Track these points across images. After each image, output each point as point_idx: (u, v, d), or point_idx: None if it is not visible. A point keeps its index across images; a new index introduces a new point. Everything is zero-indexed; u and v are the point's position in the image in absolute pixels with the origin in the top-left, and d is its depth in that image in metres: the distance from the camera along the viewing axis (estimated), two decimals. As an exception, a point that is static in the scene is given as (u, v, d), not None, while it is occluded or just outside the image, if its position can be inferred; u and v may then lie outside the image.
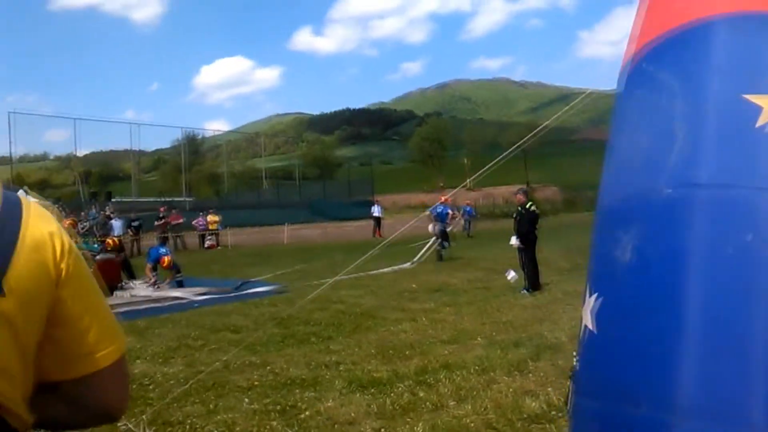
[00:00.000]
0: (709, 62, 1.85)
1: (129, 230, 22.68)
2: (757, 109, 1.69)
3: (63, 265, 0.90)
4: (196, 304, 10.00)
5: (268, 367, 5.89)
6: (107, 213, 23.85)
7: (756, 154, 1.68)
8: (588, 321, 2.00)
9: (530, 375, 5.40)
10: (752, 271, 1.59)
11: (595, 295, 1.99)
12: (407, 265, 15.18)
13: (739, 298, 1.59)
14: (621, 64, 2.23)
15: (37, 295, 0.86)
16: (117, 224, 22.84)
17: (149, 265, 12.57)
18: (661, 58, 1.99)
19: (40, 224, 0.90)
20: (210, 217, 26.41)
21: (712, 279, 1.65)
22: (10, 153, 41.78)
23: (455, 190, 12.47)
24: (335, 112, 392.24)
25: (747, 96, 1.72)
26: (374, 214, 30.19)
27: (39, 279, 0.86)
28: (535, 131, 5.58)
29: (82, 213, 23.15)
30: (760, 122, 1.68)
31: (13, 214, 0.87)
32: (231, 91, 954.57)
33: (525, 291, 10.02)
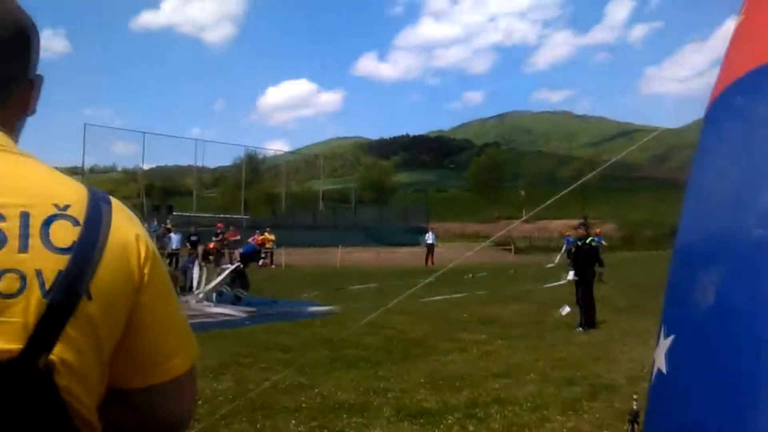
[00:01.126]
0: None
1: (187, 244, 23.22)
2: None
3: (146, 270, 0.88)
4: (248, 322, 10.08)
5: (316, 390, 5.84)
6: (168, 226, 24.49)
7: None
8: (661, 363, 1.88)
9: (585, 415, 5.18)
10: None
11: (671, 337, 1.87)
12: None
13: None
14: (710, 95, 2.12)
15: (120, 300, 0.85)
16: (176, 237, 23.41)
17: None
18: (756, 90, 1.88)
19: (128, 226, 0.89)
20: (266, 236, 26.78)
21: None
22: (83, 163, 43.59)
23: (517, 222, 12.25)
24: (394, 137, 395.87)
25: None
26: (428, 242, 30.07)
27: (123, 283, 0.85)
28: (599, 169, 5.44)
29: (145, 225, 23.85)
30: None
31: (104, 217, 0.86)
32: (294, 113, 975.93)
33: (580, 328, 9.72)
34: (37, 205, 0.81)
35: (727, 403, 1.63)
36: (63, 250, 0.80)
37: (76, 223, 0.82)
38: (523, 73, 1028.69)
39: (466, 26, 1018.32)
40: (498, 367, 6.97)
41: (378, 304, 9.86)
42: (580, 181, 6.41)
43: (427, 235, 31.13)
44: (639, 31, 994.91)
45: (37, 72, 0.95)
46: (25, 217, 0.79)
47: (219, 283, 13.01)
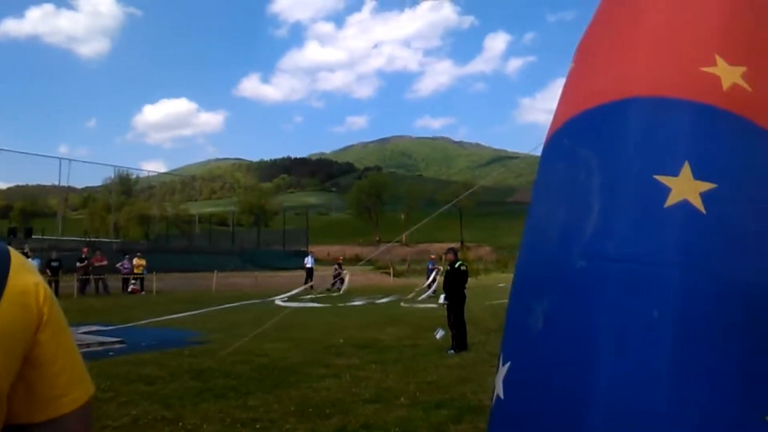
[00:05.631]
0: (626, 141, 1.91)
1: (47, 270, 21.65)
2: (666, 190, 1.74)
3: (45, 311, 0.98)
4: (111, 353, 9.53)
5: (180, 423, 5.61)
6: (25, 251, 22.78)
7: (664, 232, 1.72)
8: (499, 389, 1.98)
9: (450, 438, 5.32)
10: (658, 345, 1.62)
11: (507, 364, 1.97)
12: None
13: (645, 371, 1.61)
14: (545, 137, 2.29)
15: (19, 337, 0.93)
16: (34, 263, 21.83)
17: None
18: (581, 134, 2.05)
19: (26, 274, 0.99)
20: (136, 261, 25.57)
21: (619, 351, 1.66)
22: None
23: (389, 244, 12.45)
24: (275, 159, 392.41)
25: (657, 177, 1.77)
26: (307, 265, 29.87)
27: (22, 322, 0.94)
28: (470, 190, 5.68)
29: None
30: (668, 202, 1.73)
31: (2, 263, 0.96)
32: (172, 132, 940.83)
33: (452, 350, 10.00)
34: None
35: (558, 424, 1.74)
36: None
37: None
38: (405, 100, 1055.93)
39: (351, 51, 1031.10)
40: (369, 392, 7.01)
41: (253, 331, 9.68)
42: (450, 203, 6.64)
43: (306, 258, 30.92)
44: (514, 64, 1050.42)
45: None
46: None
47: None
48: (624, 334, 1.68)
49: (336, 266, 30.12)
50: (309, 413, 6.03)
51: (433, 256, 29.72)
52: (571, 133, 2.11)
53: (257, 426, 5.58)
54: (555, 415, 1.75)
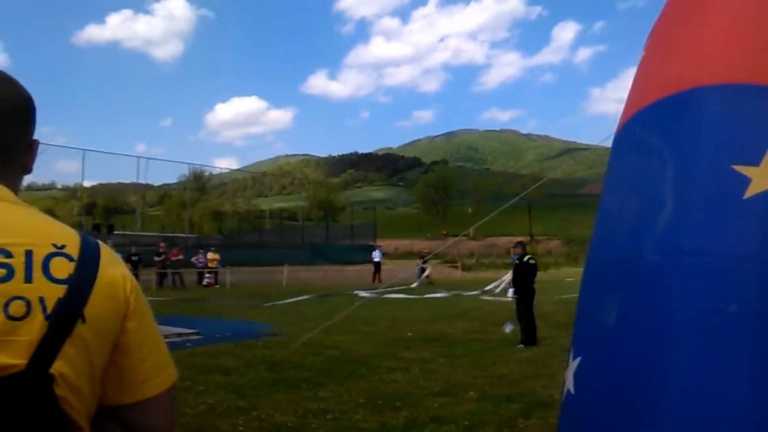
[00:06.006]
0: (700, 130, 1.85)
1: (128, 264, 22.64)
2: (746, 180, 1.68)
3: (132, 300, 1.04)
4: (188, 344, 9.89)
5: (255, 413, 5.77)
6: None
7: (743, 225, 1.66)
8: (570, 384, 1.96)
9: (520, 433, 5.28)
10: (735, 341, 1.57)
11: (578, 358, 1.95)
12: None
13: (721, 367, 1.57)
14: (616, 127, 2.24)
15: (109, 325, 1.00)
16: (118, 257, 22.83)
17: None
18: (653, 124, 2.00)
19: (115, 266, 1.05)
20: (210, 255, 26.39)
21: (693, 347, 1.62)
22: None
23: (457, 238, 12.36)
24: (343, 155, 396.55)
25: (736, 166, 1.71)
26: (375, 259, 30.10)
27: (112, 310, 1.01)
28: (537, 183, 5.60)
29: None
30: (747, 194, 1.66)
31: (94, 256, 1.02)
32: (243, 130, 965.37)
33: (521, 345, 9.89)
34: (39, 244, 0.97)
35: (630, 419, 1.71)
36: (61, 281, 0.96)
37: (71, 259, 0.98)
38: (472, 93, 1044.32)
39: (416, 46, 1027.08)
40: (438, 386, 7.02)
41: (322, 324, 9.85)
42: (518, 196, 6.57)
43: (374, 252, 31.16)
44: (584, 54, 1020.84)
45: (34, 137, 1.11)
46: (29, 254, 0.95)
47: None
48: (699, 330, 1.63)
49: (419, 259, 30.51)
50: (379, 405, 6.10)
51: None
52: (643, 123, 2.06)
53: (328, 417, 5.69)
54: (627, 411, 1.72)
